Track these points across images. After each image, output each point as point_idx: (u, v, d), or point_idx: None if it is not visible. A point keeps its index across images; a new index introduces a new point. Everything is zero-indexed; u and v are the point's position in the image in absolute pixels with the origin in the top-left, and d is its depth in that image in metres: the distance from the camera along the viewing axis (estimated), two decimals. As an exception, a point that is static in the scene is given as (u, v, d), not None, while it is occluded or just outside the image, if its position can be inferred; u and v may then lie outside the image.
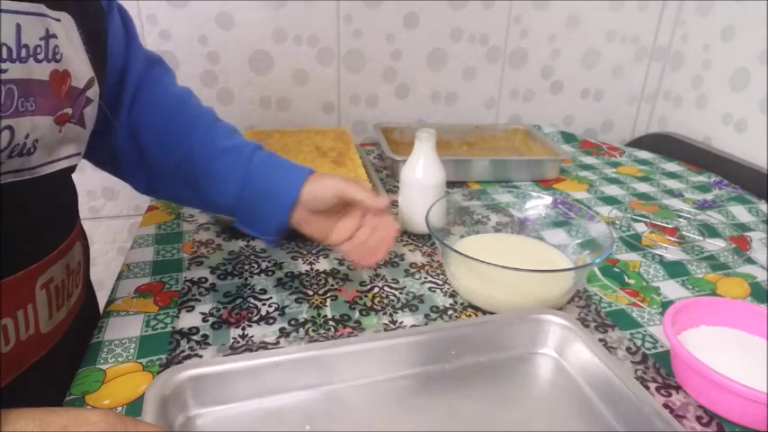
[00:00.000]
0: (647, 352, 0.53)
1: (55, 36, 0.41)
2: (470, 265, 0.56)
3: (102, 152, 0.57)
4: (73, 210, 0.53)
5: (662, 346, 0.54)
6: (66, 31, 0.42)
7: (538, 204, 0.70)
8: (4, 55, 0.37)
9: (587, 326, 0.56)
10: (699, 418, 0.45)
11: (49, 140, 0.42)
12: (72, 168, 0.47)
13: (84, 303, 0.56)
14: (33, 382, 0.45)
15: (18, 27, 0.37)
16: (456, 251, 0.55)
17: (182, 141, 0.57)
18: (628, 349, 0.53)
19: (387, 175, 0.93)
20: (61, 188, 0.50)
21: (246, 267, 0.64)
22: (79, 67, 0.44)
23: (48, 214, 0.47)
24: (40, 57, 0.40)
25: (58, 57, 0.41)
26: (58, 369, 0.50)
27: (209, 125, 0.59)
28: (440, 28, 1.06)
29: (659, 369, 0.50)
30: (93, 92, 0.46)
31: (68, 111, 0.43)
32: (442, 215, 0.67)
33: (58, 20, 0.41)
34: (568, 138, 1.14)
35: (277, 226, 0.59)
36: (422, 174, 0.69)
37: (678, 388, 0.48)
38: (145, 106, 0.56)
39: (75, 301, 0.52)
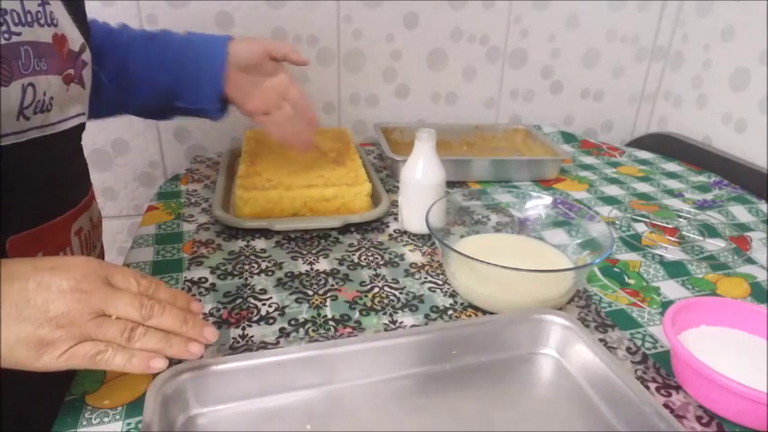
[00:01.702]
0: (647, 352, 0.53)
1: (48, 3, 0.46)
2: (470, 265, 0.56)
3: None
4: (87, 168, 0.60)
5: (662, 346, 0.54)
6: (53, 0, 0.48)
7: (538, 204, 0.70)
8: (16, 19, 0.42)
9: (587, 326, 0.56)
10: (699, 418, 0.45)
11: (60, 98, 0.48)
12: (81, 127, 0.54)
13: None
14: None
15: None
16: (456, 251, 0.55)
17: (108, 47, 0.65)
18: (628, 349, 0.53)
19: (387, 175, 0.93)
20: (77, 146, 0.56)
21: (246, 267, 0.64)
22: (71, 32, 0.49)
23: (72, 167, 0.55)
24: (42, 21, 0.45)
25: (55, 21, 0.47)
26: None
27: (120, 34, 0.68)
28: (440, 28, 1.06)
29: (659, 369, 0.50)
30: (87, 56, 0.52)
31: (71, 71, 0.49)
32: (442, 215, 0.67)
33: None
34: (568, 138, 1.14)
35: (215, 86, 0.67)
36: (422, 174, 0.69)
37: (678, 388, 0.48)
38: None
39: (98, 254, 0.60)
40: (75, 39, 0.50)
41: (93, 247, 0.58)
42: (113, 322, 0.38)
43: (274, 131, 0.71)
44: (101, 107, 0.67)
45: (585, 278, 0.64)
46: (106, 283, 0.39)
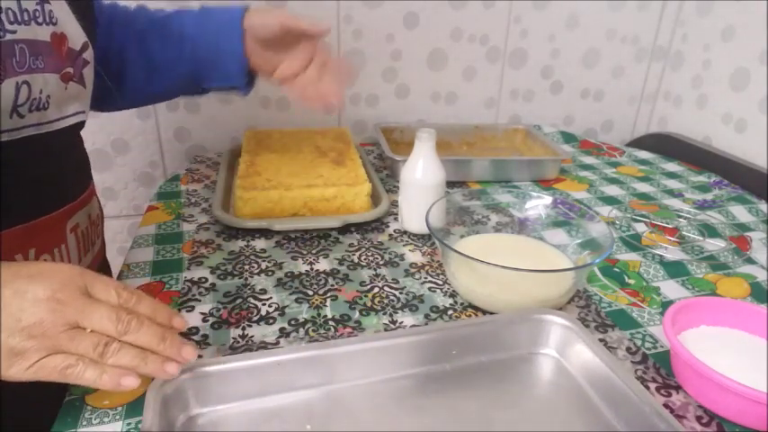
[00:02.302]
0: (647, 352, 0.53)
1: (48, 2, 0.46)
2: (470, 265, 0.56)
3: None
4: (87, 165, 0.60)
5: (662, 346, 0.54)
6: None
7: (538, 204, 0.70)
8: (11, 18, 0.42)
9: (587, 326, 0.56)
10: (699, 418, 0.45)
11: (58, 97, 0.48)
12: (80, 125, 0.54)
13: (101, 264, 0.63)
14: None
15: None
16: (456, 251, 0.55)
17: (128, 35, 0.65)
18: (628, 349, 0.53)
19: (387, 175, 0.93)
20: (75, 142, 0.56)
21: (246, 267, 0.64)
22: (73, 30, 0.50)
23: (69, 164, 0.55)
24: (40, 20, 0.45)
25: (54, 20, 0.47)
26: None
27: (138, 14, 0.67)
28: (440, 28, 1.06)
29: (659, 369, 0.50)
30: (89, 54, 0.52)
31: (70, 70, 0.49)
32: (442, 215, 0.67)
33: None
34: (568, 138, 1.14)
35: (238, 62, 0.66)
36: (422, 174, 0.69)
37: (678, 388, 0.48)
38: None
39: (97, 252, 0.60)
40: (77, 37, 0.50)
41: (91, 243, 0.58)
42: (87, 335, 0.37)
43: (297, 95, 0.69)
44: (134, 98, 0.69)
45: (585, 278, 0.64)
46: (84, 294, 0.38)
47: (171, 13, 0.67)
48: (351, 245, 0.70)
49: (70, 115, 0.51)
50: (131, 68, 0.65)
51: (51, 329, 0.36)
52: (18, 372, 0.36)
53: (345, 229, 0.74)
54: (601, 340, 0.54)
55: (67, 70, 0.49)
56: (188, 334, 0.53)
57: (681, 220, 0.80)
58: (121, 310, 0.38)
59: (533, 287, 0.56)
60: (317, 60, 0.67)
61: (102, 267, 0.64)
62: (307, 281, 0.62)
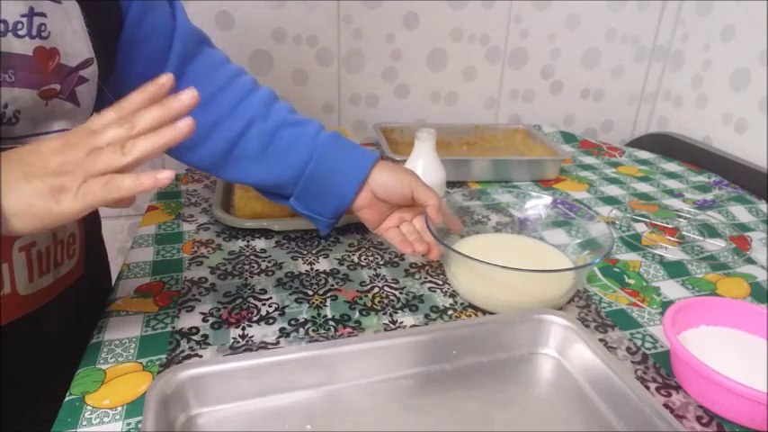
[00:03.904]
0: (647, 352, 0.53)
1: (42, 15, 0.44)
2: (470, 265, 0.56)
3: None
4: None
5: (662, 346, 0.54)
6: (65, 12, 0.45)
7: (538, 204, 0.70)
8: None
9: (587, 326, 0.56)
10: (699, 418, 0.45)
11: (33, 113, 0.45)
12: None
13: (85, 278, 0.57)
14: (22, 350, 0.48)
15: None
16: (456, 251, 0.55)
17: (235, 112, 0.59)
18: (628, 349, 0.53)
19: (387, 175, 0.93)
20: None
21: (246, 267, 0.64)
22: (74, 47, 0.47)
23: None
24: (21, 32, 0.43)
25: (44, 34, 0.44)
26: (49, 339, 0.52)
27: (268, 99, 0.62)
28: (440, 28, 1.06)
29: (659, 369, 0.50)
30: (90, 71, 0.49)
31: (56, 87, 0.46)
32: (443, 215, 0.67)
33: (59, 2, 0.45)
34: (568, 138, 1.14)
35: (338, 206, 0.61)
36: (422, 174, 0.69)
37: (678, 388, 0.48)
38: (194, 77, 0.60)
39: (66, 272, 0.54)
40: (75, 53, 0.47)
41: (56, 264, 0.52)
42: (105, 149, 0.39)
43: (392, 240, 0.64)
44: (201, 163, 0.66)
45: (585, 278, 0.64)
46: (91, 131, 0.40)
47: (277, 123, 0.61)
48: (351, 245, 0.70)
49: (52, 132, 0.48)
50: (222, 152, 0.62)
51: (74, 162, 0.38)
52: (68, 204, 0.38)
53: (345, 229, 0.74)
54: (601, 340, 0.54)
55: (51, 87, 0.46)
56: (188, 334, 0.53)
57: (681, 220, 0.80)
58: (122, 116, 0.40)
59: (533, 287, 0.56)
60: (418, 219, 0.65)
61: (88, 288, 0.58)
62: (307, 281, 0.62)
